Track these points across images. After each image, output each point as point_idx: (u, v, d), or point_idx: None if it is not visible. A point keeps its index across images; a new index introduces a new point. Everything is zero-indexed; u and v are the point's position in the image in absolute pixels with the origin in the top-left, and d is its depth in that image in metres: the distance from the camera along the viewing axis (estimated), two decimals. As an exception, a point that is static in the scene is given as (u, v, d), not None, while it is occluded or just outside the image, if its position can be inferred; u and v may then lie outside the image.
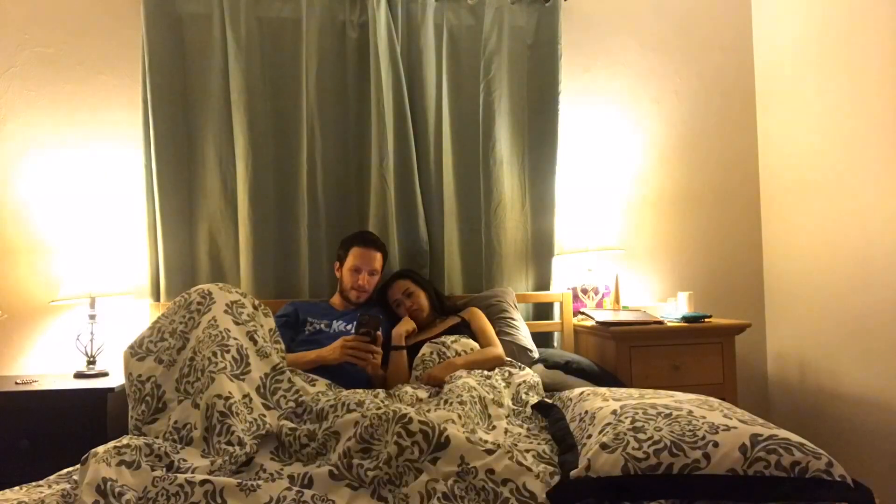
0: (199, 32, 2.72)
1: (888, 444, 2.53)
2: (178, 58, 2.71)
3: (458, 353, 2.23)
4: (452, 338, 2.31)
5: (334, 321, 2.40)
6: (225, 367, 1.72)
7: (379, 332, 2.10)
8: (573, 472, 1.31)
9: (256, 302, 2.05)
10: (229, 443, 1.52)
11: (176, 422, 1.66)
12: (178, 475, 1.30)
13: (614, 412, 1.45)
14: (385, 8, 2.79)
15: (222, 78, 2.71)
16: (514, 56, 2.94)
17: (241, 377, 1.75)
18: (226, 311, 1.91)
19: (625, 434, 1.33)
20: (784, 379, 3.11)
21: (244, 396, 1.69)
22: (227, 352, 1.77)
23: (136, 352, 1.84)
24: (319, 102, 2.79)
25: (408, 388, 1.98)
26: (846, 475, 1.19)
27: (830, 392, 2.80)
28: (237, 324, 1.89)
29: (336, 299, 2.54)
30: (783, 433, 1.27)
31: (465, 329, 2.42)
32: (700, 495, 1.21)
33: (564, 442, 1.54)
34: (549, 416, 1.77)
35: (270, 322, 2.03)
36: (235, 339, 1.82)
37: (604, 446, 1.31)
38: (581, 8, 3.13)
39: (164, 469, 1.38)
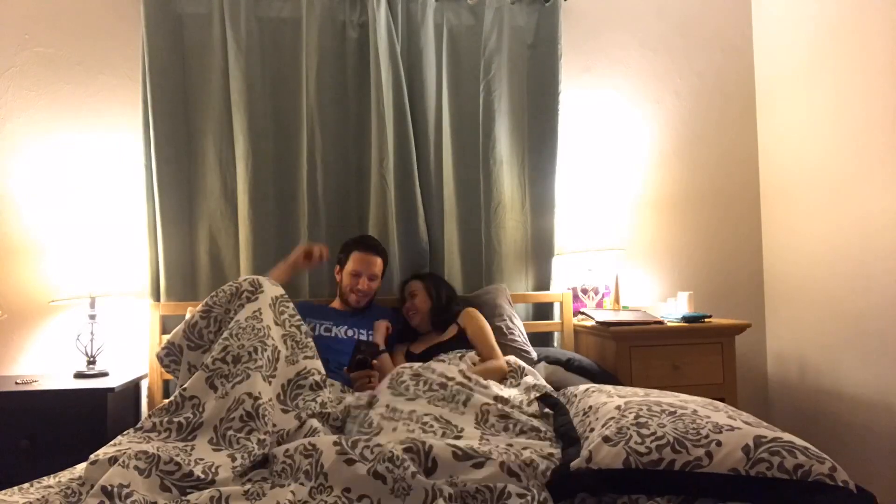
0: (199, 32, 2.72)
1: (888, 444, 2.52)
2: (178, 58, 2.71)
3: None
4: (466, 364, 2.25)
5: (335, 327, 2.40)
6: (262, 366, 1.72)
7: (375, 361, 2.15)
8: (573, 463, 1.31)
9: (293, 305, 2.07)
10: (248, 439, 1.53)
11: (185, 389, 1.67)
12: (189, 498, 1.29)
13: (618, 407, 1.45)
14: (385, 8, 2.79)
15: (222, 78, 2.71)
16: (514, 56, 2.94)
17: (269, 380, 1.75)
18: (271, 306, 1.93)
19: (628, 428, 1.33)
20: (784, 379, 3.11)
21: (269, 400, 1.69)
22: (265, 350, 1.77)
23: (198, 343, 1.87)
24: (319, 102, 2.78)
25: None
26: (849, 480, 1.18)
27: (830, 392, 2.80)
28: (276, 324, 1.91)
29: (336, 303, 2.55)
30: (787, 436, 1.27)
31: (463, 339, 2.40)
32: (701, 493, 1.21)
33: (568, 436, 1.54)
34: (555, 412, 1.77)
35: (305, 327, 2.02)
36: (273, 339, 1.83)
37: (606, 439, 1.31)
38: (581, 8, 3.13)
39: (177, 482, 1.36)
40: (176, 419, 1.60)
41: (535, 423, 1.69)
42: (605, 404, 1.51)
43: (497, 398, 1.78)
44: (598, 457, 1.28)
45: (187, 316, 2.04)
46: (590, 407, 1.56)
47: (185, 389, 1.67)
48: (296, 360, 1.88)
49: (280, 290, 2.03)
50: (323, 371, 1.91)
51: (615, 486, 1.26)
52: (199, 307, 1.94)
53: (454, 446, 1.38)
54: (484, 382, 1.90)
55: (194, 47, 2.72)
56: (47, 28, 2.74)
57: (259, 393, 1.65)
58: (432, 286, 2.54)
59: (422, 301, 2.49)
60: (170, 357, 1.89)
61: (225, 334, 1.79)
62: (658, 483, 1.23)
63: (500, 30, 2.91)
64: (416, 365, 1.95)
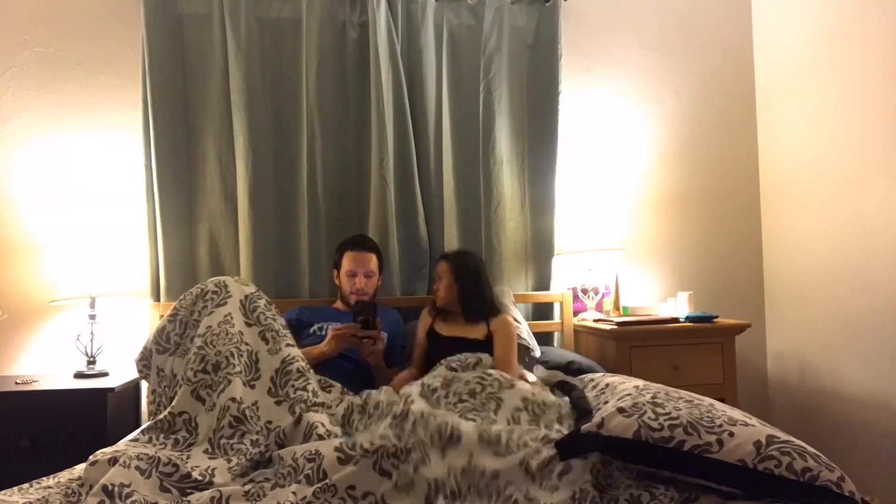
0: (199, 32, 2.72)
1: (888, 444, 2.52)
2: (178, 58, 2.71)
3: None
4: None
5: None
6: (241, 371, 1.74)
7: (378, 318, 2.14)
8: (584, 426, 1.33)
9: (268, 300, 2.06)
10: (241, 443, 1.55)
11: (173, 406, 1.69)
12: (191, 499, 1.29)
13: (637, 387, 1.49)
14: (385, 8, 2.79)
15: (222, 78, 2.71)
16: (514, 56, 2.94)
17: (252, 383, 1.77)
18: (240, 309, 1.93)
19: (644, 405, 1.35)
20: (784, 379, 3.11)
21: (253, 403, 1.71)
22: (241, 356, 1.79)
23: (165, 347, 1.87)
24: (319, 102, 2.78)
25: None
26: (856, 492, 1.17)
27: (830, 392, 2.80)
28: (249, 325, 1.91)
29: (339, 304, 2.55)
30: (800, 441, 1.27)
31: (488, 347, 2.27)
32: (704, 477, 1.22)
33: (581, 408, 1.57)
34: (571, 394, 1.78)
35: (281, 320, 2.02)
36: (247, 344, 1.84)
37: (620, 410, 1.33)
38: (581, 8, 3.13)
39: (176, 483, 1.37)
40: (172, 436, 1.63)
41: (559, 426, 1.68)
42: (623, 383, 1.56)
43: (525, 400, 1.75)
44: (611, 424, 1.30)
45: None
46: (607, 385, 1.61)
47: (173, 406, 1.69)
48: (278, 348, 1.88)
49: (251, 289, 2.01)
50: (304, 358, 1.91)
51: (621, 455, 1.27)
52: (168, 311, 1.95)
53: (482, 429, 1.41)
54: (511, 384, 1.81)
55: (194, 47, 2.72)
56: (47, 28, 2.74)
57: (240, 397, 1.67)
58: (462, 270, 2.36)
59: (447, 288, 2.34)
60: (142, 362, 1.92)
61: (198, 342, 1.80)
62: (664, 460, 1.24)
63: (500, 30, 2.91)
64: (445, 374, 1.89)
